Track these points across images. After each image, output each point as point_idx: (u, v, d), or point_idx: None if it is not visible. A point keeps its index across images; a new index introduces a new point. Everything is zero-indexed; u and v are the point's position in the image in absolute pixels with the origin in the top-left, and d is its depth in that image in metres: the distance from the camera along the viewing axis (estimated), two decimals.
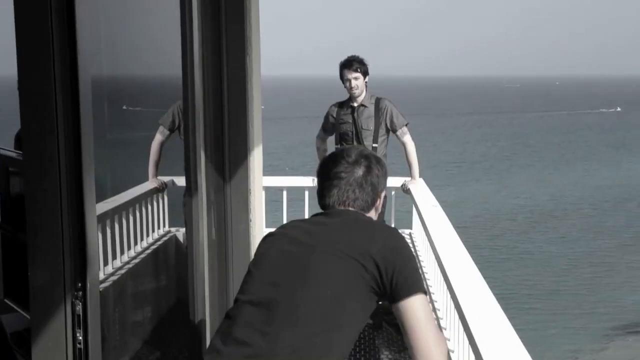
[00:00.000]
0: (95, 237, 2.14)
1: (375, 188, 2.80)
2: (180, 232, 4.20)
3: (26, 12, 2.00)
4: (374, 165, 2.82)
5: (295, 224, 2.78)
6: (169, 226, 4.03)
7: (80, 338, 2.12)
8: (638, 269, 30.10)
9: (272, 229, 8.01)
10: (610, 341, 23.01)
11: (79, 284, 2.09)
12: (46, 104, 2.03)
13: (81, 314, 2.09)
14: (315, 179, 8.06)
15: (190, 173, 3.67)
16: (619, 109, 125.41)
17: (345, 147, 2.94)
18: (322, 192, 2.80)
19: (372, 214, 2.83)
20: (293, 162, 52.53)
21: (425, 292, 2.52)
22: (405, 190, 7.70)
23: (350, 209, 2.74)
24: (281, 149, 61.98)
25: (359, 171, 2.77)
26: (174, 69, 3.79)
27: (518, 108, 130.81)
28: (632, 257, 31.78)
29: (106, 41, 2.79)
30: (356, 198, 2.75)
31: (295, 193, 8.46)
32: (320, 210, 2.84)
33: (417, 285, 2.49)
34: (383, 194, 2.88)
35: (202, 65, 3.65)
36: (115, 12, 3.04)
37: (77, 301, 2.09)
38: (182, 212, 4.35)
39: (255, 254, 2.75)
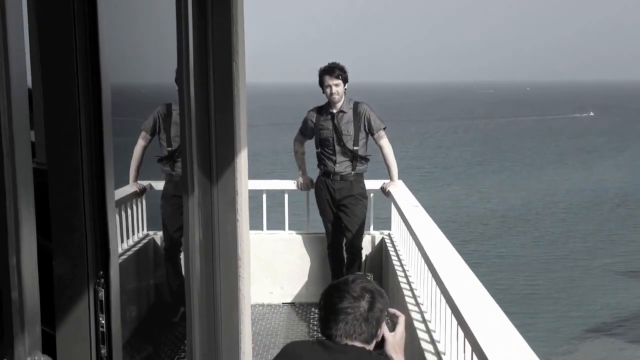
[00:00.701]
0: (115, 232, 2.29)
1: (379, 322, 2.97)
2: (158, 236, 4.29)
3: (49, 27, 2.13)
4: (377, 300, 2.98)
5: (302, 357, 2.92)
6: (148, 229, 4.13)
7: (103, 322, 2.26)
8: (610, 272, 30.35)
9: (255, 232, 7.95)
10: (581, 342, 23.19)
11: (101, 272, 2.23)
12: (70, 110, 2.17)
13: (104, 299, 2.24)
14: (296, 182, 8.14)
15: (186, 176, 3.78)
16: (591, 113, 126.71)
17: (349, 279, 3.06)
18: (329, 324, 2.94)
19: (372, 345, 2.97)
20: (259, 169, 52.53)
21: None
22: (385, 192, 7.85)
23: (357, 343, 2.89)
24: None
25: (364, 305, 2.93)
26: (167, 75, 3.90)
27: (491, 113, 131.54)
28: (604, 260, 32.03)
29: (125, 49, 2.92)
30: (362, 332, 2.91)
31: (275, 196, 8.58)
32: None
33: None
34: (384, 323, 3.05)
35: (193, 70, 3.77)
36: (130, 21, 3.16)
37: (100, 287, 2.23)
38: (160, 214, 4.44)
39: None
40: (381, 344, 3.04)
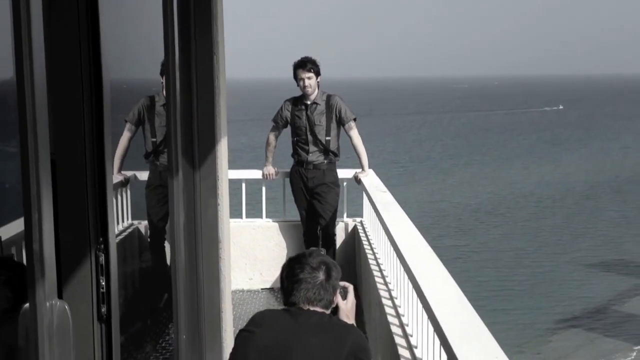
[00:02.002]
0: (112, 204, 2.58)
1: (335, 289, 3.37)
2: (143, 225, 4.42)
3: (55, 30, 2.42)
4: (333, 271, 3.37)
5: (269, 323, 3.27)
6: (132, 219, 4.25)
7: (103, 284, 2.55)
8: (580, 265, 30.47)
9: (234, 220, 8.08)
10: (554, 334, 23.33)
11: (101, 239, 2.52)
12: (74, 106, 2.48)
13: (104, 263, 2.53)
14: (261, 172, 8.15)
15: (171, 163, 3.97)
16: (561, 107, 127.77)
17: (306, 253, 3.47)
18: (292, 292, 3.31)
19: (329, 311, 3.36)
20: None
21: None
22: (357, 181, 8.13)
23: (318, 309, 3.27)
24: None
25: (322, 275, 3.31)
26: (155, 69, 4.11)
27: (463, 107, 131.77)
28: (574, 253, 32.12)
29: (123, 47, 3.17)
30: (321, 298, 3.29)
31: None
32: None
33: None
34: (338, 292, 3.44)
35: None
36: (126, 19, 3.39)
37: (100, 253, 2.51)
38: (145, 204, 4.55)
39: (234, 354, 3.21)
40: (335, 311, 3.44)
